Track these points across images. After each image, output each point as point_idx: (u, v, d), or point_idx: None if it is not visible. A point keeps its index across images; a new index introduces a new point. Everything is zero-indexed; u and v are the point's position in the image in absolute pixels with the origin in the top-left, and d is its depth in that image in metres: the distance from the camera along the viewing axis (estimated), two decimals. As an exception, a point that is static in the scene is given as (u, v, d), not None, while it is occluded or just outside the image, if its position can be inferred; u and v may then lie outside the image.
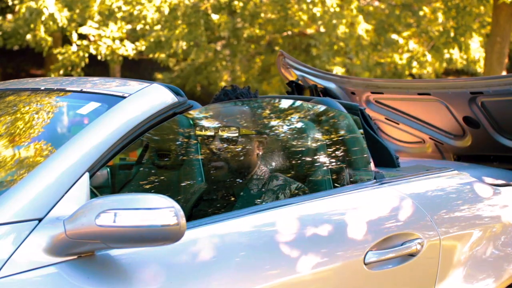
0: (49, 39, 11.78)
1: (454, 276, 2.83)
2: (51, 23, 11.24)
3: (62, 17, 11.23)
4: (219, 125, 2.72)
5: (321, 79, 4.22)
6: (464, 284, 2.85)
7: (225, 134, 2.70)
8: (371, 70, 12.86)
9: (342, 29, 12.08)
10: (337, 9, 11.96)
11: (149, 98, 2.42)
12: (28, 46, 12.94)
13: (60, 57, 12.13)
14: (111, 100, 2.42)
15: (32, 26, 11.40)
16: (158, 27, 12.09)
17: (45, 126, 2.54)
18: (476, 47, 14.04)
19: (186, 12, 12.18)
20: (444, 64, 14.06)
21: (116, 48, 12.06)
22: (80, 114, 2.56)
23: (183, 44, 12.27)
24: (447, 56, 13.67)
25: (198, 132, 2.79)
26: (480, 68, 14.31)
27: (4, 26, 12.03)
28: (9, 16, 12.82)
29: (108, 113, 2.33)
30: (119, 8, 11.61)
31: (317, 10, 11.86)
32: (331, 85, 4.19)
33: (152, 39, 12.20)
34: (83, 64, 12.15)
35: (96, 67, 14.27)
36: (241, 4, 12.55)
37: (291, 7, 12.46)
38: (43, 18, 11.11)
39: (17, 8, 11.75)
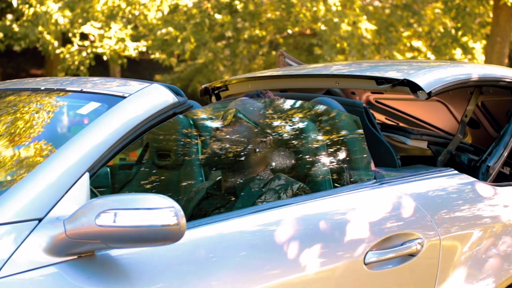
0: (55, 42, 11.78)
1: (454, 276, 2.82)
2: (54, 27, 11.25)
3: (66, 22, 11.24)
4: (221, 125, 2.72)
5: (321, 79, 4.21)
6: (464, 284, 2.85)
7: (226, 134, 2.70)
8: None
9: (344, 28, 12.06)
10: (339, 8, 11.95)
11: (149, 98, 2.42)
12: (28, 46, 12.94)
13: (66, 55, 12.12)
14: (111, 100, 2.41)
15: (41, 29, 11.39)
16: (162, 28, 12.07)
17: (45, 126, 2.54)
18: (480, 51, 14.02)
19: (192, 12, 12.17)
20: None
21: (119, 49, 12.05)
22: (80, 114, 2.56)
23: (192, 44, 12.25)
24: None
25: (199, 132, 2.79)
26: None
27: (12, 28, 12.04)
28: (9, 16, 12.81)
29: (108, 113, 2.33)
30: (119, 6, 11.59)
31: (319, 9, 11.85)
32: (331, 85, 4.17)
33: (156, 36, 12.17)
34: (87, 63, 12.16)
35: (96, 67, 14.26)
36: (241, 4, 12.53)
37: (295, 5, 12.42)
38: (52, 21, 11.13)
39: (24, 11, 11.74)
